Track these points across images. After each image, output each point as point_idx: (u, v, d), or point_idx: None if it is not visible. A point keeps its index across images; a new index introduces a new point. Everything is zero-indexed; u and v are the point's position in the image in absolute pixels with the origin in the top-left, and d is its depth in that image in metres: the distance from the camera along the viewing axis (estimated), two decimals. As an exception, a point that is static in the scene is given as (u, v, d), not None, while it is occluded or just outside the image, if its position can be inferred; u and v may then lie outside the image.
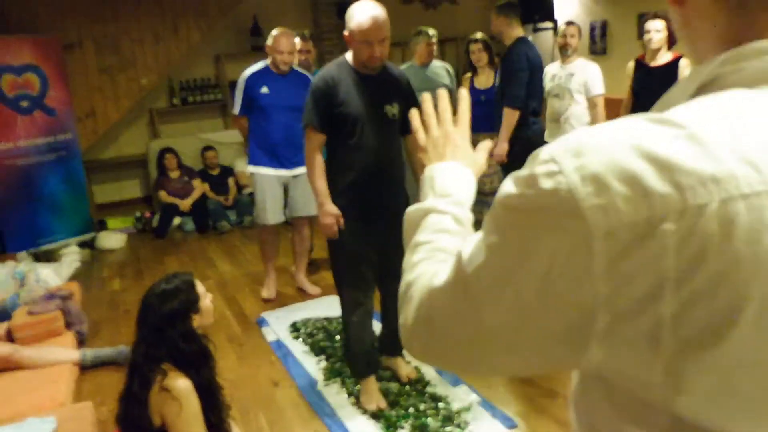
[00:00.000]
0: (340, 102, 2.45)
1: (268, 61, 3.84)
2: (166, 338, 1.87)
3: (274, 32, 3.80)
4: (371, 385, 2.73)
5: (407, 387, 2.82)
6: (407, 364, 2.96)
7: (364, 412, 2.68)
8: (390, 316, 2.85)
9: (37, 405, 2.57)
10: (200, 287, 2.01)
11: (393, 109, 2.52)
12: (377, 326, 2.92)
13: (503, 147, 3.90)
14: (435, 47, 4.52)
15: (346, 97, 2.45)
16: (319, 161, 2.54)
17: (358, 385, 2.79)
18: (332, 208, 2.50)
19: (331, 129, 2.51)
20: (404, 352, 2.89)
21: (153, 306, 1.89)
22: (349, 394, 2.83)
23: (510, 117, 3.85)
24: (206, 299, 2.01)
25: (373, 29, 2.34)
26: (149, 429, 1.83)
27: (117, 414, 1.90)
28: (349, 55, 2.52)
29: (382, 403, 2.67)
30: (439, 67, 4.64)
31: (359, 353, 2.70)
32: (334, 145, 2.56)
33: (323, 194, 2.52)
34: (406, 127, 2.59)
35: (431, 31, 4.49)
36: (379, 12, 2.35)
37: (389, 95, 2.53)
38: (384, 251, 2.61)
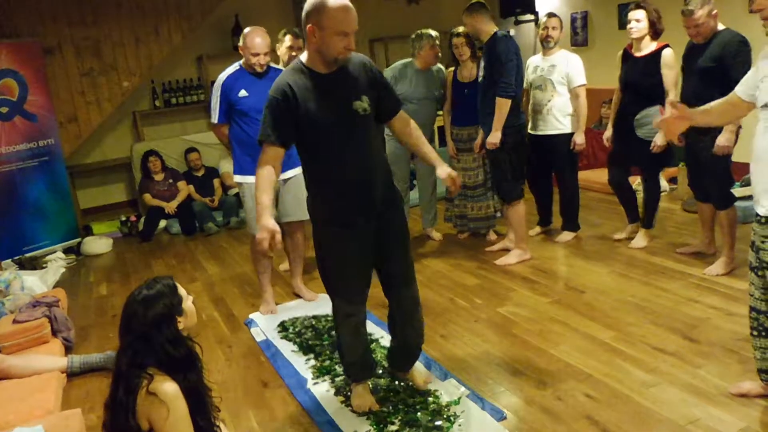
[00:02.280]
0: (302, 111, 2.27)
1: (242, 62, 3.61)
2: (154, 344, 1.84)
3: (246, 31, 3.52)
4: (364, 389, 2.70)
5: (396, 382, 2.81)
6: (422, 373, 2.83)
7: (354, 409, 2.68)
8: (398, 330, 2.67)
9: (24, 414, 2.55)
10: (181, 289, 1.98)
11: (363, 104, 2.32)
12: (376, 330, 2.90)
13: (497, 136, 3.94)
14: (439, 50, 4.49)
15: (308, 105, 2.27)
16: (268, 174, 2.30)
17: (349, 385, 2.77)
18: (269, 223, 2.21)
19: (299, 140, 2.35)
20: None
21: (137, 313, 1.86)
22: (339, 392, 2.82)
23: (503, 106, 3.89)
24: (188, 301, 2.00)
25: (349, 19, 2.19)
26: (136, 434, 1.81)
27: (104, 421, 1.89)
28: (303, 57, 2.32)
29: (375, 406, 2.65)
30: (437, 71, 4.64)
31: (352, 362, 2.66)
32: (306, 156, 2.40)
33: (263, 206, 2.26)
34: (384, 116, 2.47)
35: (434, 33, 4.45)
36: (348, 1, 2.21)
37: (355, 90, 2.33)
38: (383, 256, 2.45)
